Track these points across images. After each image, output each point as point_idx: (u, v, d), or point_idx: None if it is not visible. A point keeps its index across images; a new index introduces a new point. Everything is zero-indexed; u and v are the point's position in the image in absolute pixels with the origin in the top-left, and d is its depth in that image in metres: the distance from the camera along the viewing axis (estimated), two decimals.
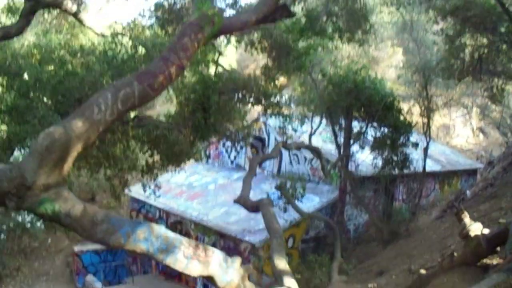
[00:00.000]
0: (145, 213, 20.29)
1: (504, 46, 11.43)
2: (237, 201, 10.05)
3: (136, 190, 18.75)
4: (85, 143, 6.03)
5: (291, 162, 17.19)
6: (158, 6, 12.06)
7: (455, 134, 25.87)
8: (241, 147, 19.41)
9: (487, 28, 11.24)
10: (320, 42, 14.36)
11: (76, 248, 19.34)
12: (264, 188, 16.99)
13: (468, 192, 13.92)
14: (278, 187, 11.14)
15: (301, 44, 14.07)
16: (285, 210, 11.33)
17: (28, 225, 18.77)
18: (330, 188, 15.46)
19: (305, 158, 16.62)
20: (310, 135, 13.79)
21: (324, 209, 14.79)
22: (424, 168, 13.96)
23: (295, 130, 14.62)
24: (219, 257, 6.00)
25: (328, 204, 14.83)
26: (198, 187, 19.17)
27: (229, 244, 15.02)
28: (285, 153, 17.41)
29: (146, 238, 5.60)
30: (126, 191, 22.49)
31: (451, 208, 13.71)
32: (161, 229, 5.76)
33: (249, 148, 18.68)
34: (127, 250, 5.78)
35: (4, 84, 9.66)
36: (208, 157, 21.71)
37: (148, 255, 5.76)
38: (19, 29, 10.96)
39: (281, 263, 7.79)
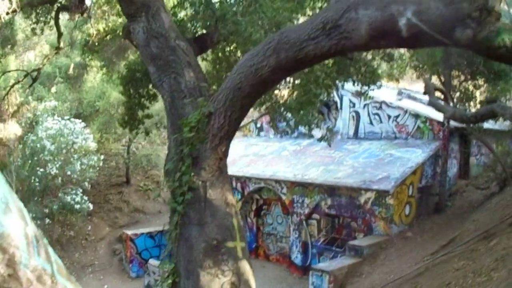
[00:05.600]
0: None
1: None
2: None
3: None
4: None
5: (371, 122, 17.11)
6: None
7: None
8: None
9: None
10: None
11: (130, 232, 17.34)
12: (349, 148, 16.78)
13: None
14: None
15: None
16: None
17: (77, 206, 16.54)
18: (424, 141, 15.65)
19: (389, 116, 16.65)
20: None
21: (428, 160, 14.92)
22: None
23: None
24: None
25: (433, 155, 15.01)
26: (270, 155, 18.12)
27: (340, 201, 14.51)
28: (363, 114, 17.38)
29: None
30: None
31: None
32: None
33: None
34: None
35: None
36: (260, 129, 20.89)
37: None
38: None
39: None
